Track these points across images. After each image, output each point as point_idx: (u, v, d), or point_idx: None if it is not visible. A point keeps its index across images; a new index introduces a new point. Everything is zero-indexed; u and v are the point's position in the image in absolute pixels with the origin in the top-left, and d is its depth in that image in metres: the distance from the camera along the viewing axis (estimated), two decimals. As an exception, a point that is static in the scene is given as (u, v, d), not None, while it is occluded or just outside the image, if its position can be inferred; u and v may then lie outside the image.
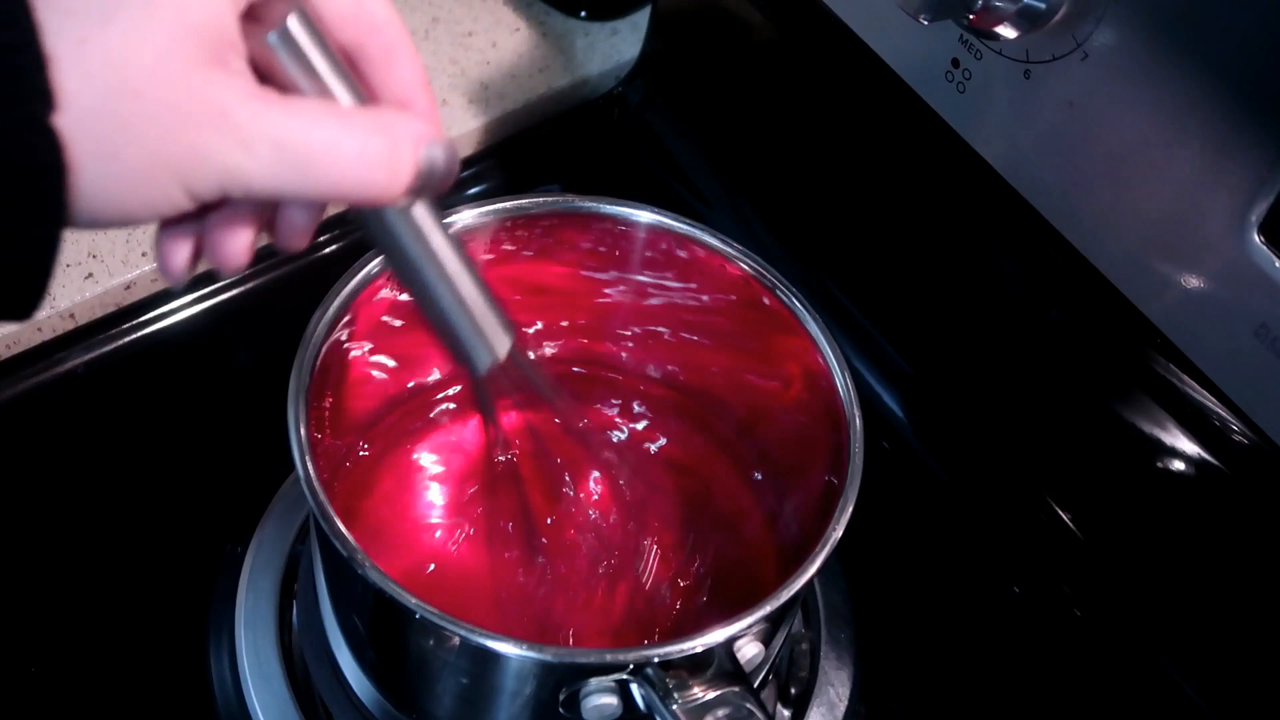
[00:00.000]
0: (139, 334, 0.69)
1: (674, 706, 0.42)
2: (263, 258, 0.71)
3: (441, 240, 0.40)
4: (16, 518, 0.63)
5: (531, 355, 0.44)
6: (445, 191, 0.38)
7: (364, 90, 0.37)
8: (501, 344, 0.43)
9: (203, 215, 0.36)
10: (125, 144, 0.32)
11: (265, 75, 0.36)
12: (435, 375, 0.59)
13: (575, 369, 0.61)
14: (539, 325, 0.60)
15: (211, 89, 0.33)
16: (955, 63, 0.54)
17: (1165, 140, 0.47)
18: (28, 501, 0.64)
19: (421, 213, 0.39)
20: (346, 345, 0.52)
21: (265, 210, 0.38)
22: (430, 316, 0.42)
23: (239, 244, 0.37)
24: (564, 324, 0.60)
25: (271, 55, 0.35)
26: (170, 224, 0.37)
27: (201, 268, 0.38)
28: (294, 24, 0.35)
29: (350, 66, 0.37)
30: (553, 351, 0.61)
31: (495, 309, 0.42)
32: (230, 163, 0.33)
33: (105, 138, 0.31)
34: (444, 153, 0.37)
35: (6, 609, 0.61)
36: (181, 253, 0.37)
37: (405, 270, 0.40)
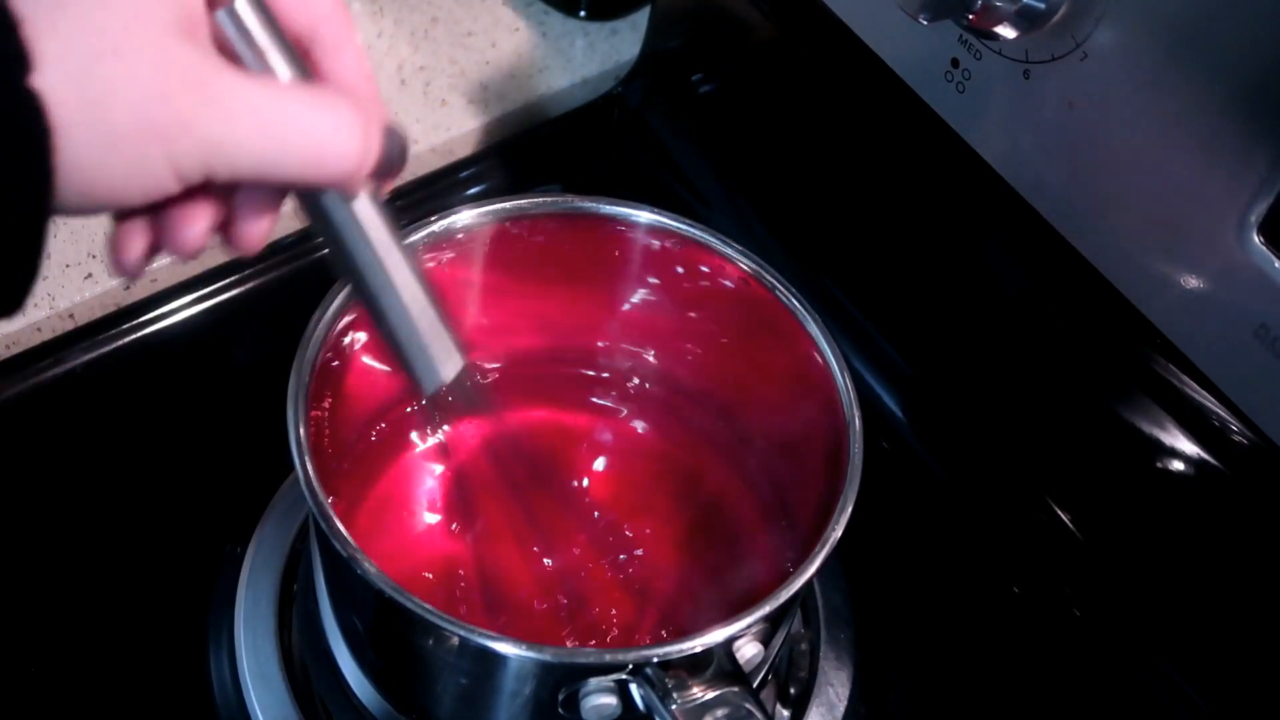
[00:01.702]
0: (138, 334, 0.69)
1: (673, 707, 0.42)
2: (262, 258, 0.72)
3: (397, 246, 0.39)
4: (16, 518, 0.63)
5: (480, 378, 0.43)
6: (396, 176, 0.38)
7: (314, 76, 0.37)
8: (452, 364, 0.41)
9: (157, 209, 0.36)
10: (111, 105, 0.31)
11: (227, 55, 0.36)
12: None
13: (573, 369, 0.61)
14: (535, 324, 0.60)
15: (188, 57, 0.33)
16: (955, 63, 0.54)
17: (1165, 140, 0.47)
18: (27, 501, 0.64)
19: (379, 216, 0.39)
20: (346, 345, 0.52)
21: (222, 198, 0.37)
22: (380, 325, 0.40)
23: (198, 229, 0.36)
24: (563, 324, 0.60)
25: (222, 34, 0.35)
26: (125, 216, 0.37)
27: (162, 266, 0.38)
28: (241, 4, 0.35)
29: (300, 53, 0.37)
30: (551, 352, 0.61)
31: (448, 325, 0.41)
32: (214, 134, 0.33)
33: (90, 99, 0.31)
34: (402, 134, 0.37)
35: (6, 609, 0.61)
36: (137, 245, 0.37)
37: (360, 275, 0.39)
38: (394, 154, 0.37)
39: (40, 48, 0.30)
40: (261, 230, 0.38)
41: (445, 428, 0.45)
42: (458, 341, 0.42)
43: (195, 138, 0.33)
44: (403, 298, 0.40)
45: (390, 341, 0.41)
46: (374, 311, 0.40)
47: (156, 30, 0.32)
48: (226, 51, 0.35)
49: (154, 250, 0.37)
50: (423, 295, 0.40)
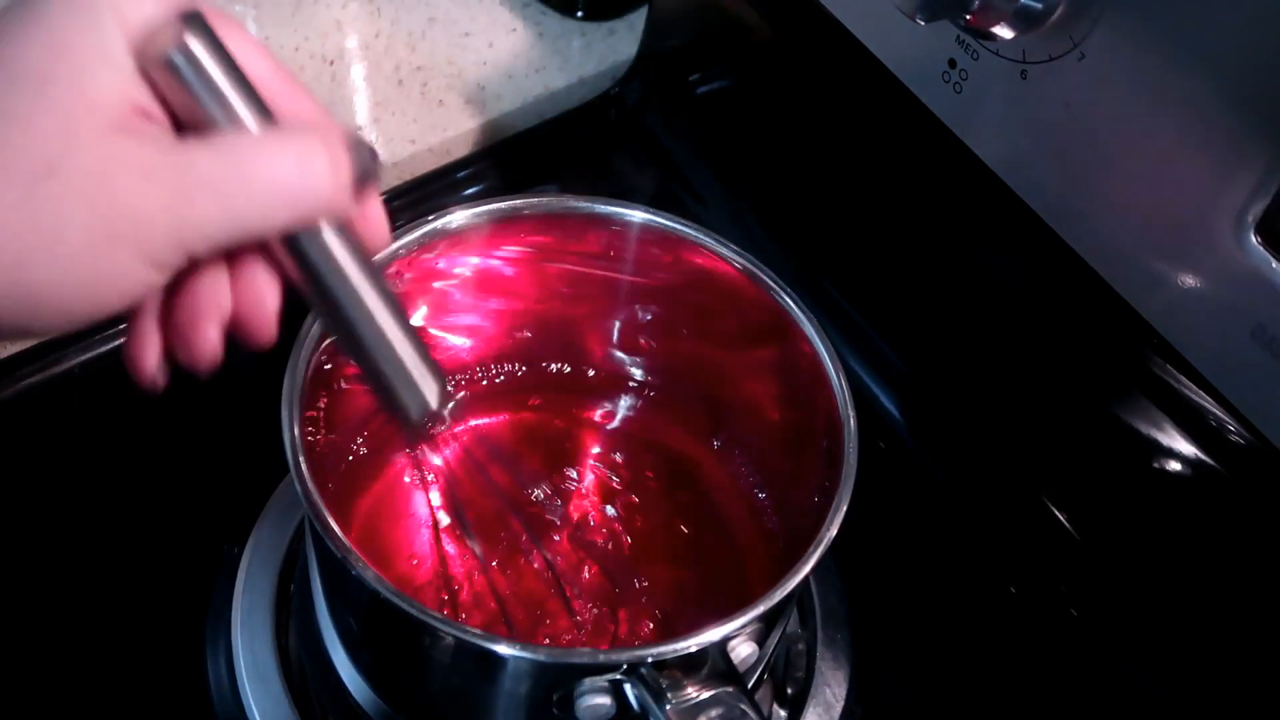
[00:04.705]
0: (136, 335, 0.69)
1: (667, 707, 0.42)
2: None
3: (373, 278, 0.38)
4: (13, 518, 0.63)
5: (458, 399, 0.43)
6: (376, 182, 0.37)
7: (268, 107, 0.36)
8: (433, 392, 0.41)
9: (167, 314, 0.36)
10: (61, 227, 0.31)
11: (180, 109, 0.35)
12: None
13: (568, 370, 0.61)
14: (532, 325, 0.60)
15: (128, 153, 0.32)
16: (952, 63, 0.54)
17: (1162, 141, 0.47)
18: (24, 502, 0.64)
19: (352, 249, 0.38)
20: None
21: (226, 300, 0.36)
22: (364, 359, 0.40)
23: (209, 334, 0.36)
24: (558, 325, 0.60)
25: (175, 76, 0.34)
26: (135, 322, 0.36)
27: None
28: (193, 42, 0.34)
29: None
30: (546, 351, 0.61)
31: (427, 352, 0.41)
32: (175, 218, 0.32)
33: (38, 226, 0.30)
34: (366, 141, 0.36)
35: (4, 609, 0.61)
36: (151, 351, 0.36)
37: (340, 310, 0.38)
38: (366, 163, 0.36)
39: None
40: (268, 312, 0.37)
41: (428, 454, 0.46)
42: (438, 368, 0.41)
43: (159, 229, 0.32)
44: (385, 330, 0.39)
45: (374, 374, 0.40)
46: (356, 345, 0.40)
47: (89, 137, 0.31)
48: (176, 92, 0.34)
49: (168, 353, 0.37)
50: (402, 325, 0.40)
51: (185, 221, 0.32)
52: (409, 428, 0.42)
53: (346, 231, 0.37)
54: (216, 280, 0.36)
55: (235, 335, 0.37)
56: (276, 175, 0.34)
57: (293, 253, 0.37)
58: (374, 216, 0.38)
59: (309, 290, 0.38)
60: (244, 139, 0.34)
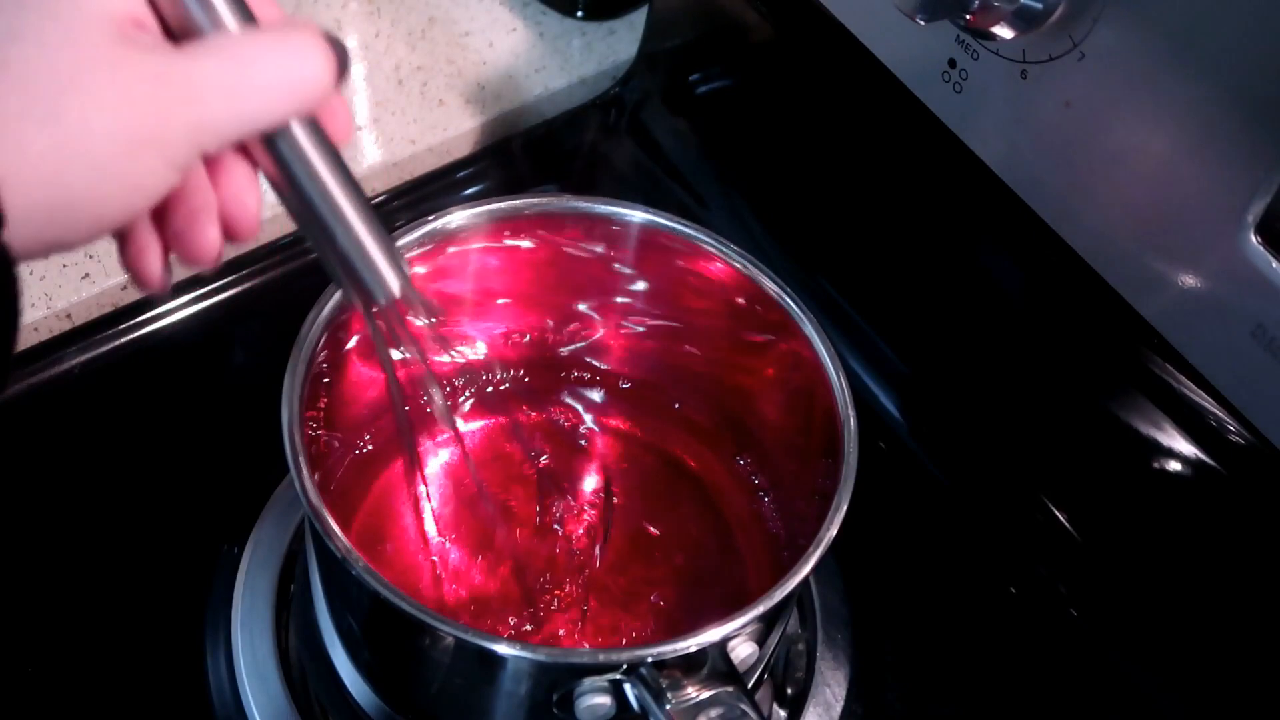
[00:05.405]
0: (135, 334, 0.69)
1: (667, 707, 0.42)
2: (258, 259, 0.72)
3: (343, 174, 0.40)
4: (12, 519, 0.63)
5: (424, 295, 0.45)
6: (348, 74, 0.39)
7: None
8: (401, 276, 0.43)
9: (160, 220, 0.37)
10: (88, 138, 0.32)
11: (171, 17, 0.36)
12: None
13: (566, 370, 0.61)
14: (534, 326, 0.60)
15: (137, 61, 0.33)
16: (952, 63, 0.54)
17: (1162, 141, 0.47)
18: (23, 502, 0.64)
19: (325, 146, 0.40)
20: (341, 347, 0.52)
21: (214, 199, 0.38)
22: (334, 247, 0.41)
23: (209, 232, 0.37)
24: (557, 324, 0.60)
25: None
26: (134, 233, 0.37)
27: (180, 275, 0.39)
28: None
29: None
30: (545, 351, 0.61)
31: (390, 244, 0.43)
32: (192, 119, 0.34)
33: (67, 139, 0.32)
34: (338, 39, 0.38)
35: (4, 610, 0.61)
36: (154, 257, 0.38)
37: (313, 201, 0.40)
38: (343, 55, 0.38)
39: (3, 107, 0.31)
40: (250, 206, 0.39)
41: (401, 350, 0.47)
42: (401, 257, 0.43)
43: (177, 131, 0.34)
44: (354, 220, 0.41)
45: (342, 261, 0.42)
46: (327, 234, 0.41)
47: (102, 45, 0.33)
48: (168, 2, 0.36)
49: (167, 257, 0.38)
50: (368, 215, 0.42)
51: (200, 122, 0.34)
52: (373, 316, 0.44)
53: (315, 125, 0.39)
54: (204, 182, 0.38)
55: (223, 232, 0.39)
56: (279, 70, 0.36)
57: (269, 148, 0.38)
58: (340, 109, 0.41)
59: (283, 182, 0.40)
60: (244, 40, 0.36)
